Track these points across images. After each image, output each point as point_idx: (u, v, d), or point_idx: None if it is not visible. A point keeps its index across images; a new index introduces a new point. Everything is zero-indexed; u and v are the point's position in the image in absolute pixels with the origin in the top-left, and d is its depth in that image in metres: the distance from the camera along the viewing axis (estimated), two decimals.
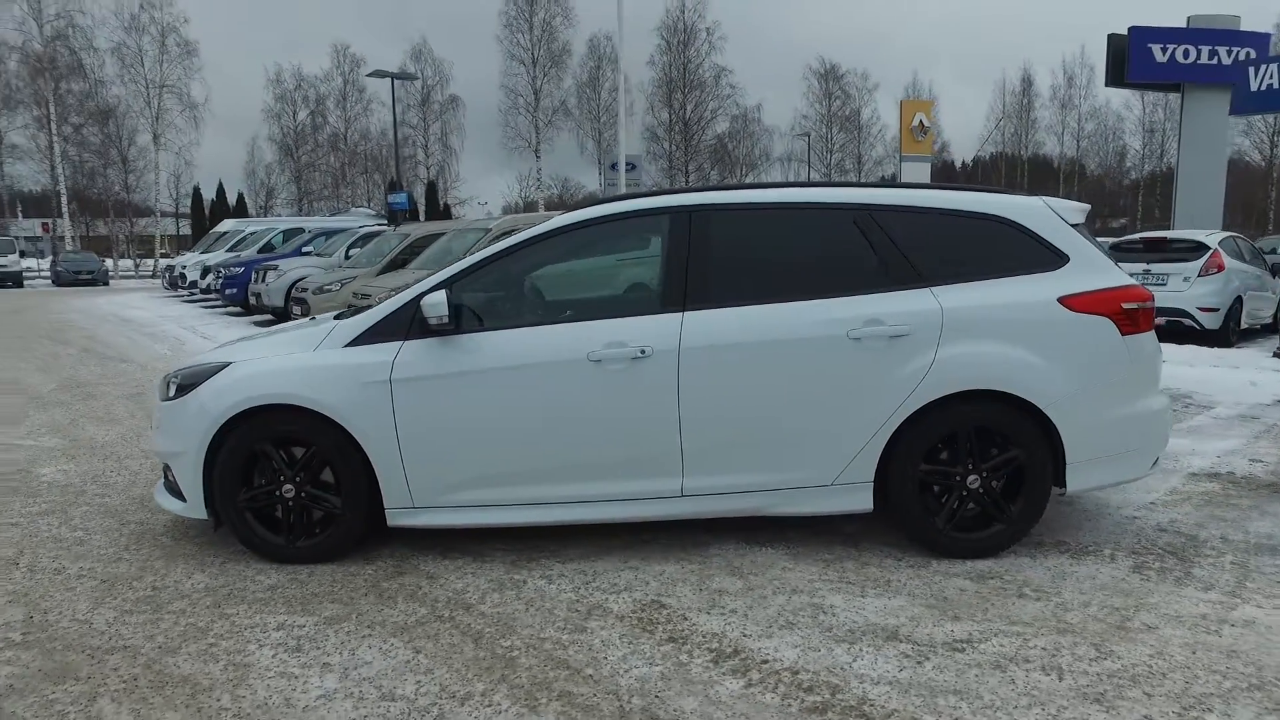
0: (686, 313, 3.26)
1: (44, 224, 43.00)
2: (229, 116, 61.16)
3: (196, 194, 43.71)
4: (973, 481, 3.30)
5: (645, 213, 3.44)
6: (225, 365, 3.41)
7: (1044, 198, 3.55)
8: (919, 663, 2.52)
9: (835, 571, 3.24)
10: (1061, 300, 3.30)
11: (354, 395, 3.24)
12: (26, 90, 36.94)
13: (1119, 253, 10.61)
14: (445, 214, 43.87)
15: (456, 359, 3.25)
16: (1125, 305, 3.34)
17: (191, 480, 3.35)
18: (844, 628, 2.77)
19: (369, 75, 26.33)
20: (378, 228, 15.53)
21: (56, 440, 5.52)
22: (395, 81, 24.56)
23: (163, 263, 26.50)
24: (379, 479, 3.29)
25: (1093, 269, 3.40)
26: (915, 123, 26.95)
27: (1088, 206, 3.69)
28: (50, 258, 34.31)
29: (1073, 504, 4.02)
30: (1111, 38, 19.32)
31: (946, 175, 61.47)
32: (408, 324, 3.29)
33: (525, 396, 3.24)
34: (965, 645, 2.63)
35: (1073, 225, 3.48)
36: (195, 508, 3.39)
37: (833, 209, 3.40)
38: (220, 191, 44.97)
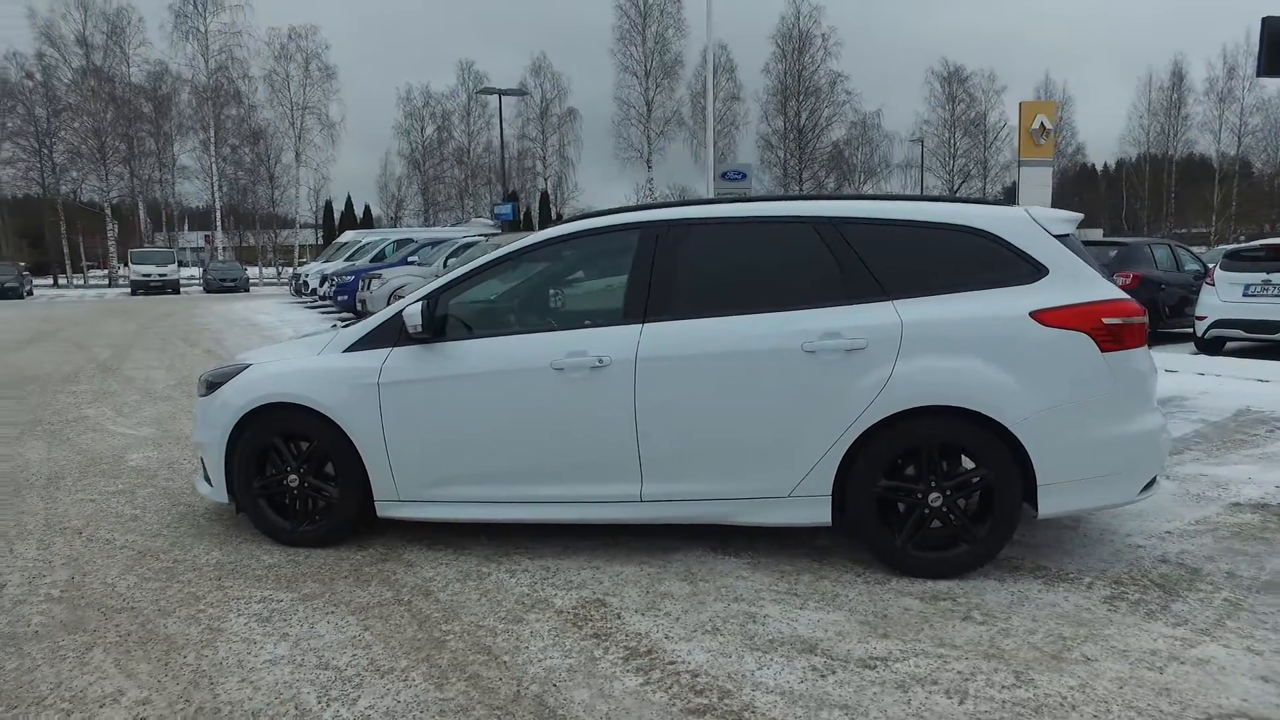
0: (646, 324, 3.38)
1: (206, 236, 48.10)
2: (364, 133, 66.12)
3: (328, 207, 47.75)
4: (935, 499, 3.23)
5: (617, 228, 3.59)
6: (246, 367, 3.85)
7: (1027, 207, 3.42)
8: (823, 676, 2.53)
9: (787, 583, 3.25)
10: (1033, 314, 3.17)
11: (347, 396, 3.58)
12: (194, 118, 41.57)
13: (1236, 261, 9.67)
14: (558, 223, 45.47)
15: (435, 365, 3.53)
16: (1106, 320, 3.17)
17: (216, 468, 3.80)
18: (766, 637, 2.80)
19: (479, 92, 27.97)
20: (476, 238, 16.41)
21: (151, 430, 6.30)
22: (513, 96, 25.94)
23: (292, 271, 29.08)
24: (368, 472, 3.61)
25: (1074, 282, 3.25)
26: (1036, 125, 25.42)
27: (1078, 216, 3.52)
28: (203, 266, 38.45)
29: (1074, 528, 3.81)
30: (1267, 21, 17.50)
31: (1085, 179, 57.32)
32: (397, 332, 3.60)
33: (495, 401, 3.46)
34: (879, 663, 2.61)
35: (1057, 236, 3.34)
36: (219, 492, 3.83)
37: (798, 222, 3.43)
38: (349, 204, 48.72)
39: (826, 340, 3.23)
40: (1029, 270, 3.26)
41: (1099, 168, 57.28)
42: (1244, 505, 4.14)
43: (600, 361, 3.35)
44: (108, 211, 39.05)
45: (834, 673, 2.55)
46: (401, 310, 3.54)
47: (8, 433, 6.29)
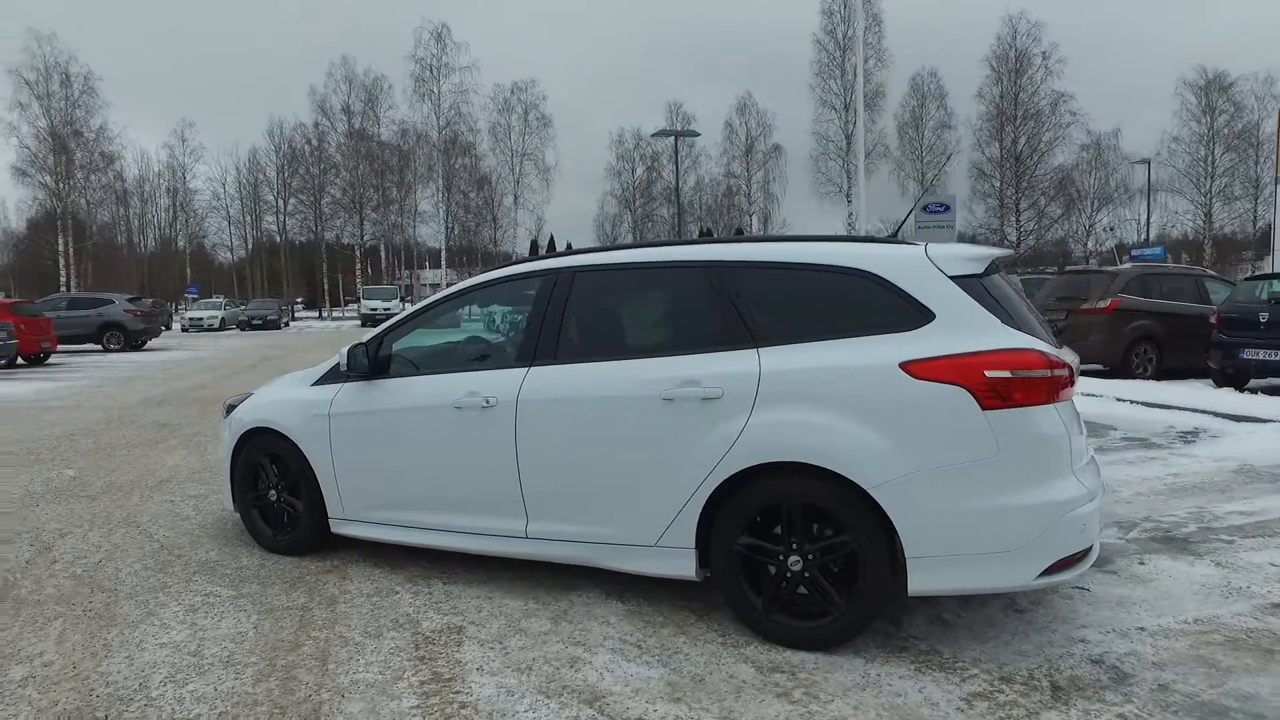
0: (532, 368, 3.54)
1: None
2: (578, 175, 71.24)
3: (533, 245, 52.07)
4: (794, 564, 3.02)
5: (525, 275, 3.80)
6: (250, 395, 4.54)
7: (929, 245, 3.12)
8: None
9: (643, 634, 3.21)
10: (903, 365, 2.89)
11: (307, 424, 4.11)
12: (430, 168, 47.53)
13: None
14: None
15: (371, 400, 3.94)
16: (989, 374, 2.80)
17: (225, 481, 4.51)
18: (564, 683, 2.82)
19: (653, 135, 29.33)
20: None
21: None
22: (690, 137, 26.94)
23: None
24: (322, 492, 4.10)
25: (963, 329, 2.91)
26: None
27: (992, 253, 3.13)
28: None
29: (1024, 611, 3.34)
30: None
31: None
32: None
33: (411, 435, 3.79)
34: None
35: (954, 277, 3.01)
36: (228, 502, 4.54)
37: (681, 268, 3.41)
38: (551, 243, 52.69)
39: (685, 388, 3.18)
40: (912, 315, 2.98)
41: None
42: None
43: (488, 402, 3.55)
44: (358, 253, 45.70)
45: None
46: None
47: (171, 443, 7.75)
